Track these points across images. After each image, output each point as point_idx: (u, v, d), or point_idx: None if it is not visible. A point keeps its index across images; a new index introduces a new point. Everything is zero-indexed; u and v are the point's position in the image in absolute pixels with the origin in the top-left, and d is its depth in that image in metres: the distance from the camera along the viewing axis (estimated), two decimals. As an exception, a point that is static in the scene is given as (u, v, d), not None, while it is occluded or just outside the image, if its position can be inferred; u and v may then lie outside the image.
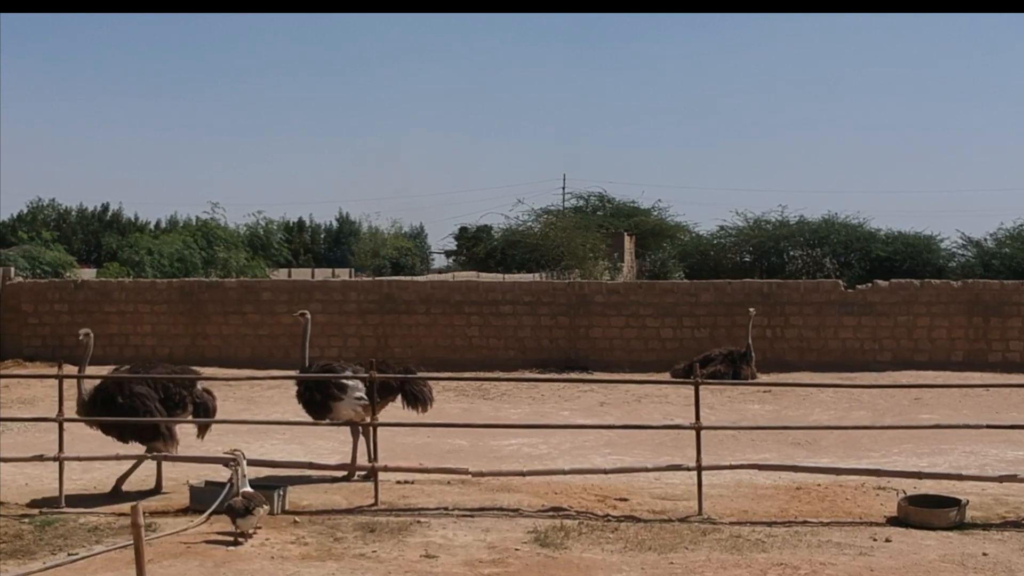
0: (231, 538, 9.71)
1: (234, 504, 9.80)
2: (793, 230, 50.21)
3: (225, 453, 10.68)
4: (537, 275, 41.85)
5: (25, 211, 69.41)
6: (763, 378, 21.09)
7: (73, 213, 72.60)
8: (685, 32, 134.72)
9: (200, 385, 12.31)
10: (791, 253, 49.68)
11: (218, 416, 13.76)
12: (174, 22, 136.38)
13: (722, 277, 32.76)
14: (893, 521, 10.45)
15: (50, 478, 11.97)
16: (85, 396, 11.75)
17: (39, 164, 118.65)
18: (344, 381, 12.25)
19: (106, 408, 11.65)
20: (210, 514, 10.31)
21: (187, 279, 27.47)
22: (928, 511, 10.40)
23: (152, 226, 68.48)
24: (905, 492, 11.00)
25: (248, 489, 10.05)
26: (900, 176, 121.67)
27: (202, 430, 12.47)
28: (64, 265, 31.45)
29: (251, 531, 9.87)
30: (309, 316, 13.36)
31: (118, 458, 11.75)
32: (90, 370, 12.07)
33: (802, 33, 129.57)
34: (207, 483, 11.33)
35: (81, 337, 12.00)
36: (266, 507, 10.02)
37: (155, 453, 11.75)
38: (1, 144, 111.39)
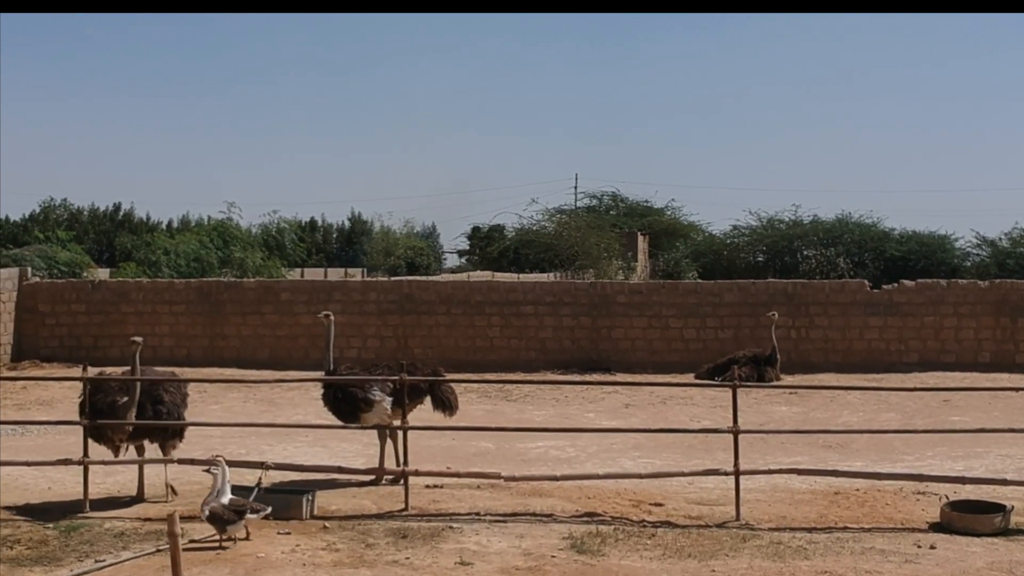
0: (216, 543, 9.61)
1: (217, 511, 9.57)
2: (807, 229, 49.87)
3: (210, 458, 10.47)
4: (551, 275, 41.60)
5: (37, 211, 69.36)
6: (788, 380, 20.81)
7: (85, 213, 72.52)
8: (698, 31, 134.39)
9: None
10: (804, 253, 49.34)
11: (240, 418, 13.61)
12: (186, 21, 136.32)
13: (735, 277, 32.50)
14: (936, 527, 10.25)
15: (73, 482, 11.83)
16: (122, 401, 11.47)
17: (51, 164, 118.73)
18: (372, 396, 12.07)
19: (141, 414, 11.44)
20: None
21: (205, 279, 27.27)
22: (973, 517, 10.17)
23: (164, 226, 68.34)
24: (947, 497, 10.76)
25: (230, 496, 9.82)
26: (914, 175, 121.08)
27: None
28: (80, 265, 31.28)
29: (241, 536, 9.71)
30: (332, 318, 13.18)
31: (143, 462, 11.58)
32: (111, 372, 11.93)
33: (815, 32, 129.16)
34: (234, 487, 11.13)
35: (133, 346, 11.80)
36: (257, 514, 9.81)
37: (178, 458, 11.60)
38: (13, 143, 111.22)
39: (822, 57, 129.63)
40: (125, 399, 11.28)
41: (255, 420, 16.35)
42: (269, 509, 10.03)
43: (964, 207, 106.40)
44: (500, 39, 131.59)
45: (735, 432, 10.96)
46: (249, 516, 9.71)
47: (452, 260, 66.72)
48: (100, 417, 11.26)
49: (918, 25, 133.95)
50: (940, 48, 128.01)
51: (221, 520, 9.58)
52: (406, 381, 11.51)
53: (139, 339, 11.93)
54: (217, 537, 9.67)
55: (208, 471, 10.07)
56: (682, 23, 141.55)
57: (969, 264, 47.64)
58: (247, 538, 9.76)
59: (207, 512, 9.63)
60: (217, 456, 10.25)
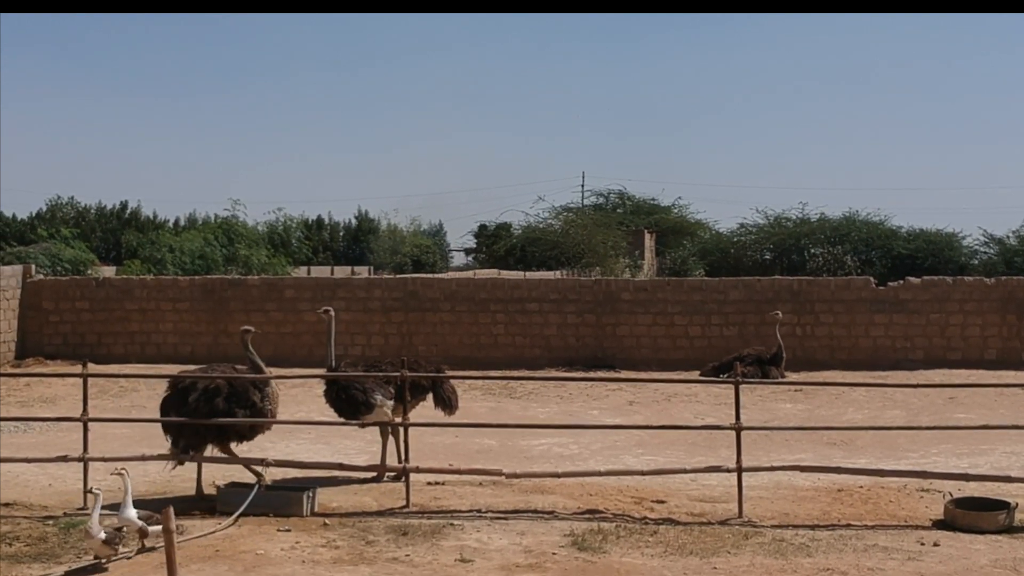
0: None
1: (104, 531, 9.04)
2: (814, 227, 49.65)
3: (112, 473, 9.93)
4: (557, 272, 41.57)
5: (44, 209, 69.54)
6: (793, 377, 20.77)
7: (92, 211, 72.61)
8: (704, 29, 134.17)
9: None
10: (812, 251, 49.14)
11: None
12: (191, 20, 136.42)
13: (742, 274, 32.37)
14: (939, 524, 10.19)
15: (73, 478, 11.80)
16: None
17: (58, 162, 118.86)
18: (372, 400, 12.08)
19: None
20: (238, 516, 10.13)
21: (210, 277, 27.24)
22: (976, 514, 10.11)
23: (171, 224, 68.38)
24: (951, 494, 10.68)
25: (130, 511, 9.26)
26: (921, 173, 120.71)
27: None
28: (85, 262, 31.26)
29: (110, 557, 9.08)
30: (333, 313, 13.15)
31: (144, 459, 11.53)
32: (113, 369, 11.88)
33: (822, 29, 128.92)
34: (232, 484, 11.13)
35: (246, 334, 12.14)
36: (144, 533, 9.34)
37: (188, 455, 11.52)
38: (20, 142, 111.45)
39: (829, 55, 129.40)
40: (261, 396, 11.64)
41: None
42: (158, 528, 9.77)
43: (972, 205, 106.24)
44: (507, 37, 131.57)
45: (738, 429, 10.90)
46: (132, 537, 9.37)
47: (459, 258, 66.77)
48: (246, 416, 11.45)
49: (925, 22, 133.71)
50: (947, 45, 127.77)
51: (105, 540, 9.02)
52: (407, 378, 11.48)
53: (251, 327, 12.29)
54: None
55: (91, 491, 9.50)
56: (688, 21, 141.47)
57: (977, 262, 47.43)
58: (142, 549, 9.34)
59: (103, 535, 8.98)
60: (122, 469, 9.70)
